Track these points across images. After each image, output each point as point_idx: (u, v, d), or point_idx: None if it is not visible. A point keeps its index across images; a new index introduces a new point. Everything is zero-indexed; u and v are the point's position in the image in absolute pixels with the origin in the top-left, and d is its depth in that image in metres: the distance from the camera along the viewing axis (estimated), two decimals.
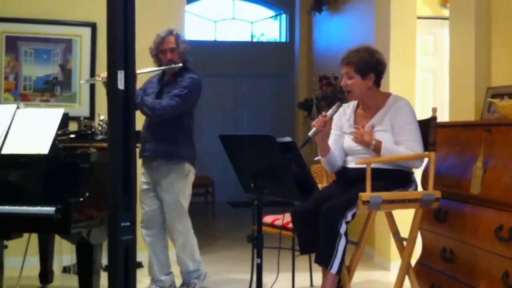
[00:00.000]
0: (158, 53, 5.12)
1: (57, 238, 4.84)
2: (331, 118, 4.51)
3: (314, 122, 4.43)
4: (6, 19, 6.56)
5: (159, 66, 5.13)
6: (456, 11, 5.26)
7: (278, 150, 3.68)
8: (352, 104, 4.69)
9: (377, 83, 4.51)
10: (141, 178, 5.18)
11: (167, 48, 5.10)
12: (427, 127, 4.38)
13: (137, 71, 4.68)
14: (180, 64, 5.06)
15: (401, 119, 4.38)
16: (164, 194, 5.14)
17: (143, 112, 4.91)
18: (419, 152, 4.32)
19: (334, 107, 4.56)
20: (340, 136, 4.65)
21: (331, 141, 4.65)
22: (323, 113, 4.45)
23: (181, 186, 5.17)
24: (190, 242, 5.28)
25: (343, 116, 4.67)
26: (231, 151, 4.05)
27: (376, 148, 4.34)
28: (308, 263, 5.15)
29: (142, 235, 5.17)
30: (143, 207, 5.22)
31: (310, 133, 4.41)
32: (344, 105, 4.72)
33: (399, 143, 4.34)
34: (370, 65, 4.43)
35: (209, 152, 11.35)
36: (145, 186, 5.21)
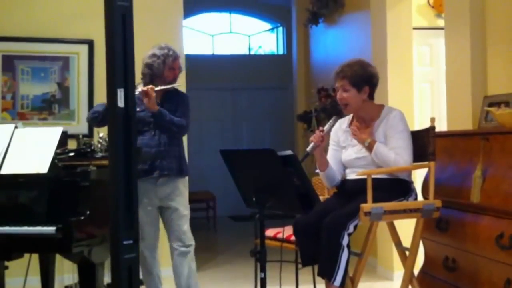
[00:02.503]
0: (165, 69, 5.13)
1: (58, 257, 4.81)
2: (328, 132, 4.53)
3: (312, 138, 4.45)
4: (2, 38, 6.57)
5: (154, 81, 5.09)
6: (451, 21, 5.28)
7: (279, 163, 3.68)
8: (347, 118, 4.72)
9: (371, 95, 4.55)
10: (143, 199, 5.09)
11: (177, 67, 5.20)
12: (426, 137, 4.39)
13: (158, 87, 4.96)
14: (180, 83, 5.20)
15: (392, 128, 4.42)
16: (176, 206, 5.15)
17: (168, 130, 5.06)
18: (407, 160, 4.36)
19: (330, 121, 4.60)
20: (338, 151, 4.69)
21: (329, 156, 4.68)
22: (320, 128, 4.48)
23: (186, 197, 5.28)
24: (193, 257, 5.26)
25: (339, 131, 4.71)
26: (232, 166, 4.05)
27: (370, 147, 4.41)
28: (311, 276, 5.13)
29: (146, 257, 5.16)
30: (144, 229, 5.12)
31: (308, 148, 4.43)
32: (340, 120, 4.74)
33: (389, 150, 4.37)
34: (364, 78, 4.47)
35: (210, 166, 11.36)
36: (149, 207, 5.14)
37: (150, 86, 4.92)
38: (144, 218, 5.07)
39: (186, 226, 5.19)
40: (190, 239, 5.22)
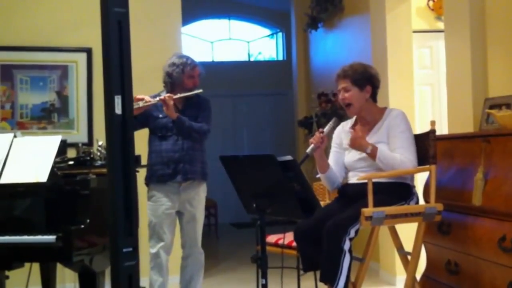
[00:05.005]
0: (185, 77, 5.23)
1: (60, 266, 4.80)
2: (328, 134, 4.51)
3: (311, 139, 4.44)
4: (1, 48, 6.57)
5: (175, 89, 5.22)
6: (451, 23, 5.26)
7: (279, 169, 3.66)
8: (351, 121, 4.71)
9: (374, 97, 4.53)
10: (162, 202, 5.19)
11: (196, 74, 5.31)
12: (427, 140, 4.38)
13: (175, 96, 5.09)
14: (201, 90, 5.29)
15: (394, 128, 4.41)
16: (194, 212, 5.28)
17: (189, 136, 5.17)
18: (412, 160, 4.36)
19: (330, 122, 4.59)
20: (340, 153, 4.67)
21: (331, 158, 4.67)
22: (320, 130, 4.46)
23: (204, 205, 5.41)
24: (203, 264, 5.44)
25: (342, 133, 4.69)
26: (232, 172, 4.03)
27: (372, 153, 4.37)
28: (313, 281, 5.11)
29: (163, 259, 5.19)
30: (165, 231, 5.20)
31: (308, 150, 4.41)
32: (343, 123, 4.73)
33: (393, 151, 4.36)
34: (366, 76, 4.48)
35: (211, 173, 11.27)
36: (168, 211, 5.20)
37: (168, 94, 5.08)
38: (164, 220, 5.19)
39: (199, 233, 5.34)
40: (199, 247, 5.36)
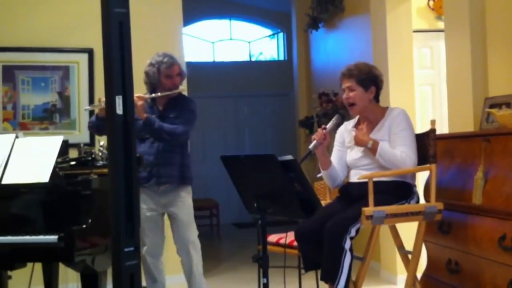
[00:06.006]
0: (162, 77, 5.07)
1: (62, 266, 4.80)
2: (331, 131, 4.52)
3: (314, 136, 4.45)
4: (2, 49, 6.58)
5: (156, 90, 5.11)
6: (451, 23, 5.27)
7: (279, 169, 3.67)
8: (353, 120, 4.72)
9: (376, 97, 4.55)
10: (142, 205, 5.02)
11: (175, 74, 5.11)
12: (427, 139, 4.39)
13: (147, 96, 4.95)
14: (185, 89, 5.15)
15: (395, 127, 4.43)
16: (176, 213, 5.12)
17: (159, 138, 4.98)
18: (413, 158, 4.37)
19: (333, 119, 4.60)
20: (343, 151, 4.68)
21: (333, 157, 4.69)
22: (323, 126, 4.47)
23: (191, 204, 5.19)
24: (201, 263, 5.23)
25: (345, 132, 4.71)
26: (233, 172, 4.04)
27: (373, 147, 4.38)
28: (315, 280, 5.13)
29: (149, 263, 5.13)
30: (148, 234, 5.12)
31: (310, 146, 4.42)
32: (346, 122, 4.74)
33: (394, 148, 4.38)
34: (371, 77, 4.49)
35: (212, 174, 11.34)
36: (148, 213, 5.11)
37: (138, 94, 4.81)
38: (144, 224, 5.06)
39: (188, 234, 5.15)
40: (192, 248, 5.16)
